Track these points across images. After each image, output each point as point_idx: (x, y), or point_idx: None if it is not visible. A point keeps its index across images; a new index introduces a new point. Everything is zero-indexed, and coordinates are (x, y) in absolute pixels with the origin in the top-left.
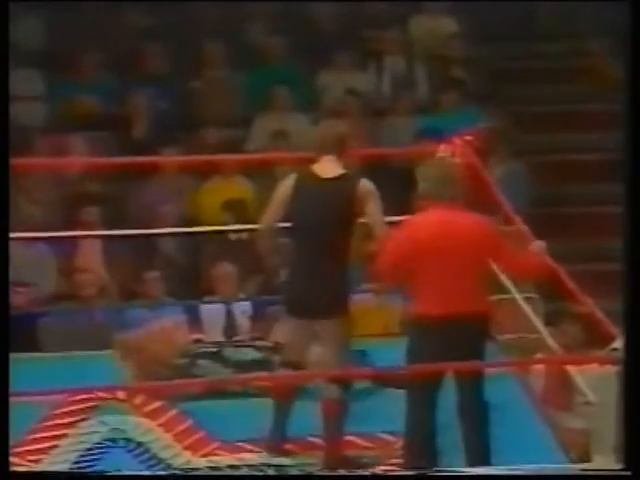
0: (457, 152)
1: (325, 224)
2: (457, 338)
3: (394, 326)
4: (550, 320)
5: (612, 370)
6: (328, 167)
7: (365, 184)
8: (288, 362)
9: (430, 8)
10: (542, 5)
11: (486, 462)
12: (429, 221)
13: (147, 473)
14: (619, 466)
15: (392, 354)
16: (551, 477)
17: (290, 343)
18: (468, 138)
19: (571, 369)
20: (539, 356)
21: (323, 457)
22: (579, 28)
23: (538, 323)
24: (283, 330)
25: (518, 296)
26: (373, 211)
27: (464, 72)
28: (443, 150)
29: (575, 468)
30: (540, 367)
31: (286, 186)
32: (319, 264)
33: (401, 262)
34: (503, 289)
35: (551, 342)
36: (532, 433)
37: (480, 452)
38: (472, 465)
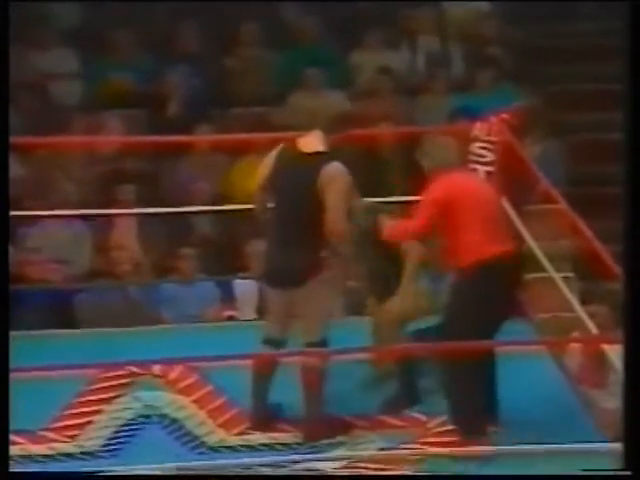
0: (493, 131)
1: (295, 196)
2: (514, 278)
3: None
4: (586, 299)
5: None
6: (311, 142)
7: (330, 169)
8: (268, 339)
9: None
10: None
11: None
12: (455, 179)
13: (147, 473)
14: (622, 416)
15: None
16: (551, 477)
17: (269, 316)
18: (504, 117)
19: (607, 348)
20: (575, 335)
21: (302, 428)
22: (615, 6)
23: (574, 302)
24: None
25: (554, 274)
26: (330, 198)
27: (499, 51)
28: (479, 128)
29: (611, 446)
30: (576, 346)
31: (269, 156)
32: (290, 235)
33: (439, 216)
34: (539, 267)
35: (587, 321)
36: (567, 412)
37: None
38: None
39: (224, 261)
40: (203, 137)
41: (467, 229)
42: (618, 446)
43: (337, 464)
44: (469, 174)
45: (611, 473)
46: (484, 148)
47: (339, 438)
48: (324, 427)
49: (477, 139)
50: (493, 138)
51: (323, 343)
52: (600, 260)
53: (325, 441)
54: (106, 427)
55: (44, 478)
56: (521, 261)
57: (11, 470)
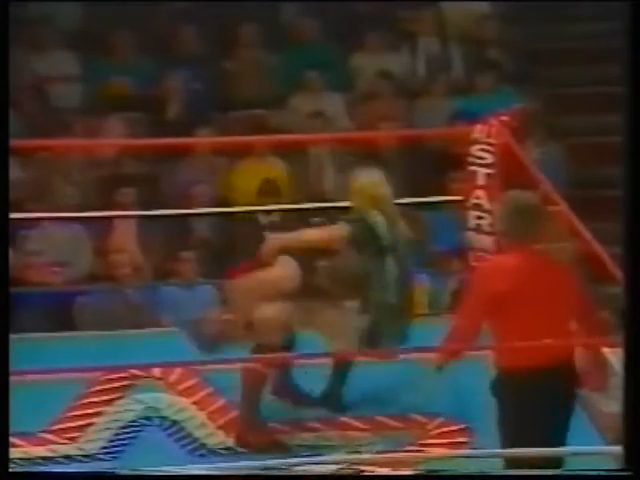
0: (493, 133)
1: None
2: (548, 395)
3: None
4: None
5: None
6: None
7: None
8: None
9: None
10: None
11: None
12: (510, 267)
13: (148, 473)
14: (622, 416)
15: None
16: (551, 477)
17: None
18: (504, 119)
19: (607, 351)
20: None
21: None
22: (616, 8)
23: None
24: None
25: None
26: None
27: (499, 53)
28: (479, 131)
29: (611, 450)
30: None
31: None
32: None
33: (484, 314)
34: None
35: None
36: None
37: None
38: None
39: (224, 264)
40: (203, 140)
41: (507, 329)
42: (618, 449)
43: (336, 467)
44: (531, 260)
45: (611, 473)
46: (484, 150)
47: (337, 441)
48: (251, 434)
49: (477, 141)
50: (493, 140)
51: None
52: (600, 263)
53: (253, 449)
54: (106, 429)
55: (44, 478)
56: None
57: (11, 470)
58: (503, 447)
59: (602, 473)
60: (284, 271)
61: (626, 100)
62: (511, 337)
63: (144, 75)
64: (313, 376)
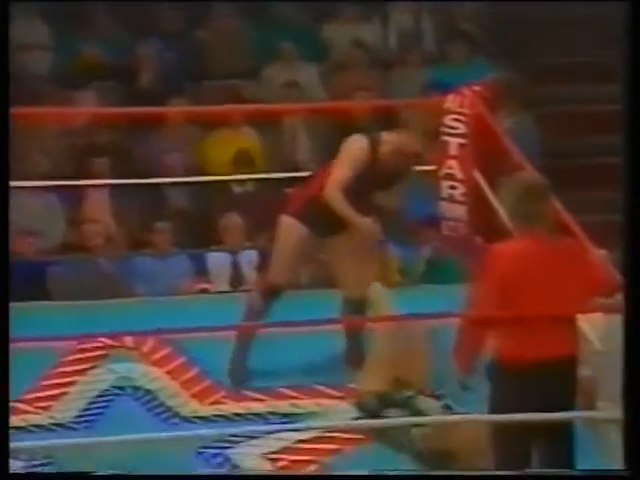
0: (466, 103)
1: None
2: (546, 387)
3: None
4: None
5: (618, 319)
6: None
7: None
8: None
9: None
10: None
11: None
12: (516, 253)
13: (148, 473)
14: (622, 417)
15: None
16: (551, 477)
17: None
18: (477, 90)
19: (579, 317)
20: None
21: None
22: None
23: None
24: None
25: None
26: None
27: (472, 24)
28: (451, 101)
29: (582, 415)
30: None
31: None
32: None
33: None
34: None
35: None
36: None
37: None
38: None
39: (198, 234)
40: (177, 109)
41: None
42: (593, 414)
43: (310, 434)
44: (538, 244)
45: (611, 473)
46: (457, 120)
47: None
48: None
49: (450, 111)
50: (466, 110)
51: None
52: (570, 232)
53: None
54: (79, 399)
55: (44, 478)
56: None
57: (11, 472)
58: (491, 434)
59: (602, 473)
60: None
61: (626, 98)
62: (515, 325)
63: (116, 45)
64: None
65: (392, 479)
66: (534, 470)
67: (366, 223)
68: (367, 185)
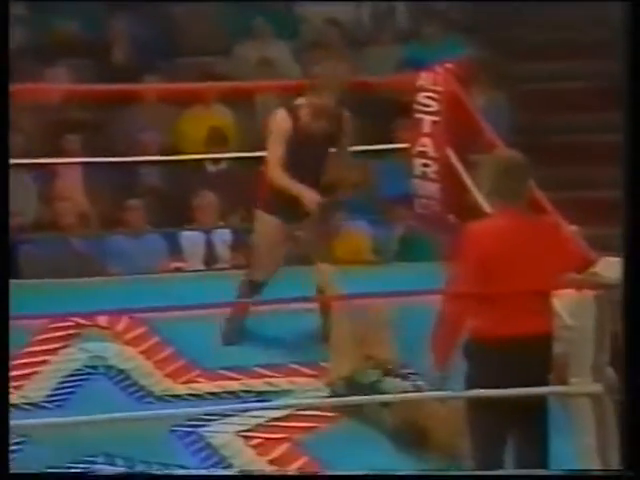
0: (439, 80)
1: None
2: (522, 363)
3: (366, 254)
4: None
5: (589, 294)
6: None
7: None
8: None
9: None
10: None
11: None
12: (494, 230)
13: (148, 473)
14: (598, 389)
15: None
16: (551, 477)
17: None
18: (450, 67)
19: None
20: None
21: None
22: None
23: None
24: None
25: None
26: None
27: (445, 2)
28: (424, 78)
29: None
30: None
31: None
32: None
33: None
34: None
35: None
36: None
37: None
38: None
39: (171, 212)
40: (150, 86)
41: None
42: (566, 389)
43: (283, 412)
44: (516, 221)
45: (611, 473)
46: (430, 98)
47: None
48: None
49: (423, 89)
50: (439, 88)
51: None
52: (543, 208)
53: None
54: (52, 378)
55: (44, 478)
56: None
57: (11, 472)
58: (468, 411)
59: (602, 473)
60: None
61: (626, 97)
62: (491, 302)
63: (89, 20)
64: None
65: (392, 479)
66: (534, 470)
67: (308, 193)
68: (305, 153)
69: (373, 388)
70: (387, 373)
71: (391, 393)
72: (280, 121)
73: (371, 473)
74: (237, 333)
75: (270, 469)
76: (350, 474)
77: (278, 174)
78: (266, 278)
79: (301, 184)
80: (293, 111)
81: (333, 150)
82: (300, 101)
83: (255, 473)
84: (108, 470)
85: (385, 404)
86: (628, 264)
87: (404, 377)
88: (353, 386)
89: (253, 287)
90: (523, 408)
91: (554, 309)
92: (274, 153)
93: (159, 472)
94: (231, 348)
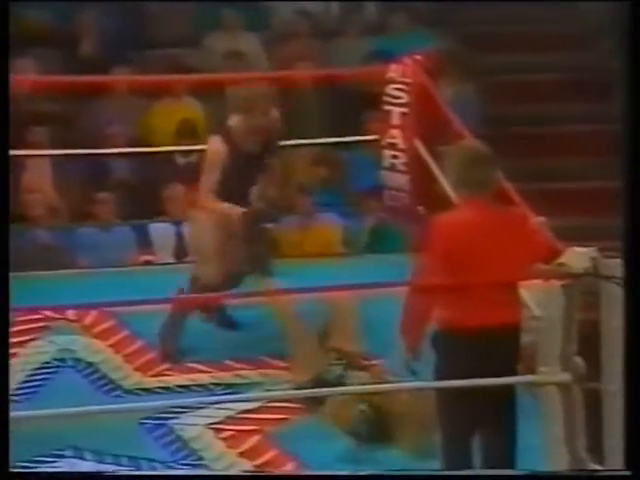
0: (407, 72)
1: None
2: (490, 354)
3: (336, 246)
4: None
5: (557, 285)
6: None
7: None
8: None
9: None
10: None
11: (510, 466)
12: (461, 221)
13: (148, 473)
14: (566, 379)
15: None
16: (551, 477)
17: None
18: (419, 59)
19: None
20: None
21: None
22: None
23: None
24: None
25: None
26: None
27: None
28: (393, 70)
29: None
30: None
31: None
32: None
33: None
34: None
35: None
36: None
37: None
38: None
39: (141, 205)
40: (119, 78)
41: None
42: (534, 378)
43: (254, 404)
44: (482, 212)
45: (611, 473)
46: (399, 90)
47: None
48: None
49: (392, 81)
50: (407, 80)
51: None
52: (510, 199)
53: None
54: (20, 371)
55: (44, 478)
56: (510, 336)
57: (11, 471)
58: (437, 402)
59: (602, 473)
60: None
61: (627, 97)
62: (459, 293)
63: (59, 11)
64: None
65: (392, 479)
66: (534, 470)
67: (232, 209)
68: (240, 171)
69: (339, 382)
70: (352, 365)
71: (356, 385)
72: (214, 148)
73: (370, 473)
74: (176, 339)
75: (240, 461)
76: (350, 474)
77: (207, 200)
78: (213, 281)
79: (226, 204)
80: (226, 135)
81: (266, 160)
82: (232, 122)
83: (249, 473)
84: (110, 470)
85: (351, 395)
86: (628, 264)
87: (369, 368)
88: (319, 384)
89: (203, 286)
90: (492, 398)
91: (522, 299)
92: (206, 180)
93: (159, 472)
94: (201, 341)
